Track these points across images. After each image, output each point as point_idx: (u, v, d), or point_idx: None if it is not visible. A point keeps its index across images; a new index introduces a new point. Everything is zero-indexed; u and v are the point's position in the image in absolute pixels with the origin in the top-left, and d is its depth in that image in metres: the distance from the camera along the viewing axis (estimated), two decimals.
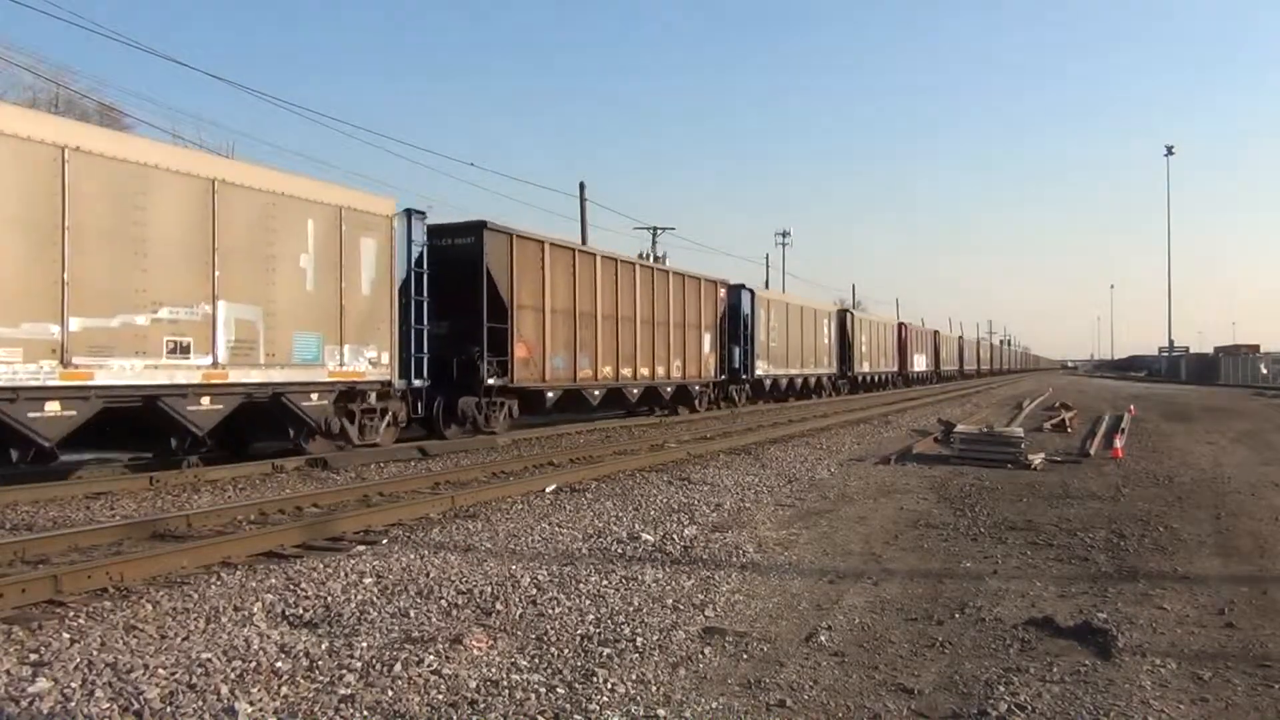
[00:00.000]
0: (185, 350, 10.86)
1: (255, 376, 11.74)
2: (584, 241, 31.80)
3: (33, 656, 4.50)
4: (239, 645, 4.67)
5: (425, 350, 14.70)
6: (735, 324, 28.22)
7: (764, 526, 8.32)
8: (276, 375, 12.05)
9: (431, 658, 4.49)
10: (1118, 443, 15.04)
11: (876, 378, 45.32)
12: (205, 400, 11.17)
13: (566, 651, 4.68)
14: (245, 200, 11.64)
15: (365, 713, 3.84)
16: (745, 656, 4.66)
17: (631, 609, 5.47)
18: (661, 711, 3.90)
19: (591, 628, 5.08)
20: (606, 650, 4.69)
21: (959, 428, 14.91)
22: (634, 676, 4.30)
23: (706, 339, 26.05)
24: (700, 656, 4.63)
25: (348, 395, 13.42)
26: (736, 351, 28.35)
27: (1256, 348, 75.08)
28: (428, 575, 6.26)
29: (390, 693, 4.05)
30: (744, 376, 28.76)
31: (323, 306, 12.78)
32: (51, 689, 4.05)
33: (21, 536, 7.41)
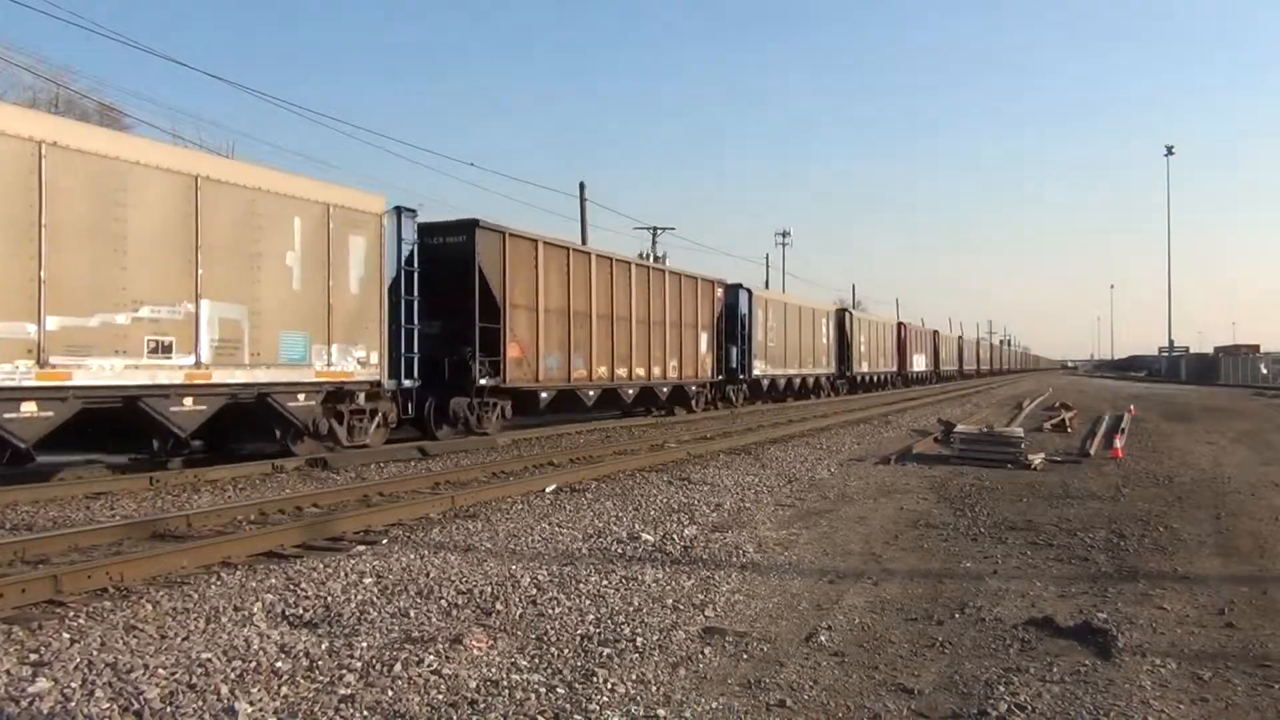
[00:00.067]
0: (167, 350, 10.69)
1: (240, 376, 11.57)
2: (584, 241, 31.82)
3: (33, 656, 4.50)
4: (239, 645, 4.67)
5: (416, 350, 14.58)
6: (732, 324, 28.16)
7: (764, 526, 8.32)
8: (262, 375, 11.89)
9: (431, 658, 4.50)
10: (1118, 443, 15.04)
11: (875, 378, 45.30)
12: (188, 401, 10.99)
13: (566, 651, 4.68)
14: (229, 197, 11.48)
15: (365, 713, 3.84)
16: (745, 656, 4.66)
17: (631, 609, 5.47)
18: (661, 711, 3.90)
19: (591, 628, 5.08)
20: (606, 650, 4.69)
21: (959, 428, 14.92)
22: (634, 676, 4.31)
23: (703, 339, 26.01)
24: (700, 656, 4.64)
25: (336, 396, 13.25)
26: (734, 351, 28.31)
27: (1256, 348, 75.12)
28: (428, 575, 6.26)
29: (390, 693, 4.05)
30: (741, 377, 28.72)
31: (310, 305, 12.62)
32: (51, 689, 4.05)
33: (21, 536, 7.42)
